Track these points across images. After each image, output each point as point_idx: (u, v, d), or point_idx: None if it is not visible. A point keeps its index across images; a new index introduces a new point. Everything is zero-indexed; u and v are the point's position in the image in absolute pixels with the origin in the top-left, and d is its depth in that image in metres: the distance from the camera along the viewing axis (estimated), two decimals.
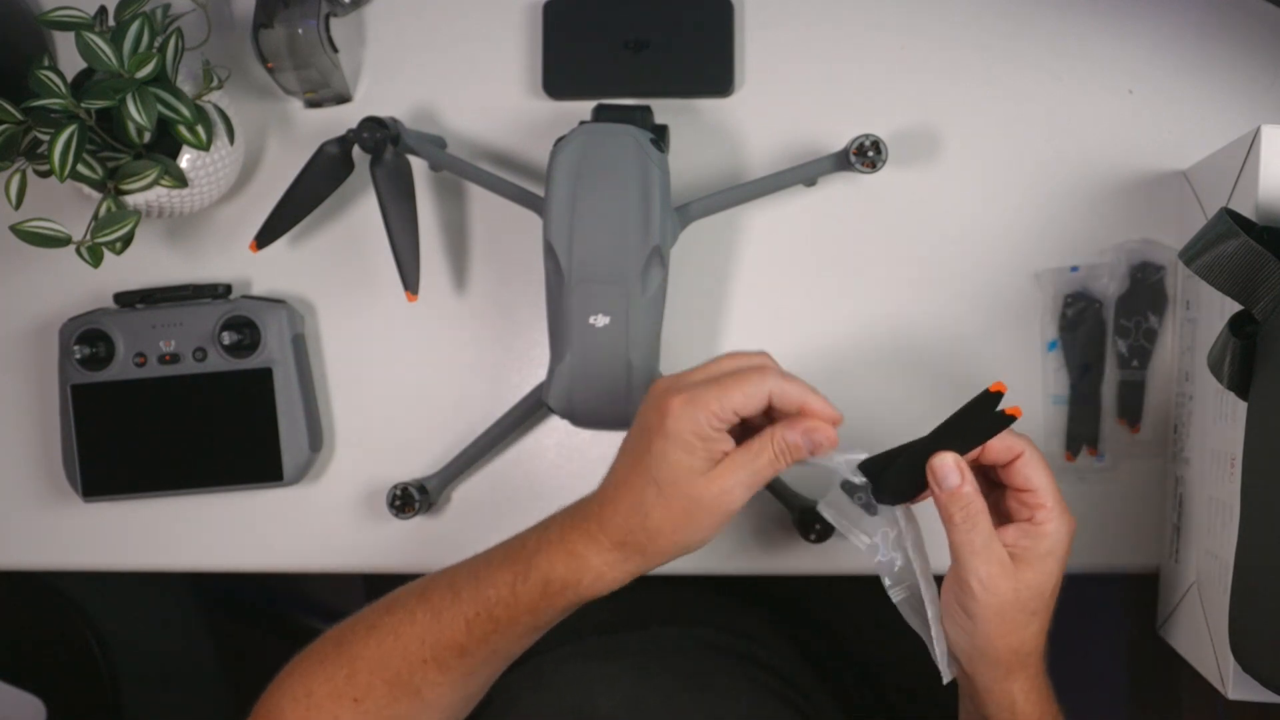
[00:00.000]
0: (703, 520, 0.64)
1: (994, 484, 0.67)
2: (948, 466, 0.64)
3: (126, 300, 0.86)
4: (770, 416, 0.66)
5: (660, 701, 0.75)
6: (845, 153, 0.79)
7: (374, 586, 1.12)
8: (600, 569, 0.65)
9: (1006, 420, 0.63)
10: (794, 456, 0.65)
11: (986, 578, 0.63)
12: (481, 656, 0.69)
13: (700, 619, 0.88)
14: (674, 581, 0.87)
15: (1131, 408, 0.81)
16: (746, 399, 0.64)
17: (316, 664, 0.71)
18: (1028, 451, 0.65)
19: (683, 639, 0.85)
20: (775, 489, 0.82)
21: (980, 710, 0.69)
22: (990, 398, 0.63)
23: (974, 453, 0.65)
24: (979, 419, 0.64)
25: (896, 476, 0.66)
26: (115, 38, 0.75)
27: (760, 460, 0.64)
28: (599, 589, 0.66)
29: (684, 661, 0.81)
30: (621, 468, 0.66)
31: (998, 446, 0.65)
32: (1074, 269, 0.82)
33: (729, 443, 0.65)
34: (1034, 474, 0.65)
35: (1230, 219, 0.63)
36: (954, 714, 0.79)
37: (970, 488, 0.64)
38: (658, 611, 0.88)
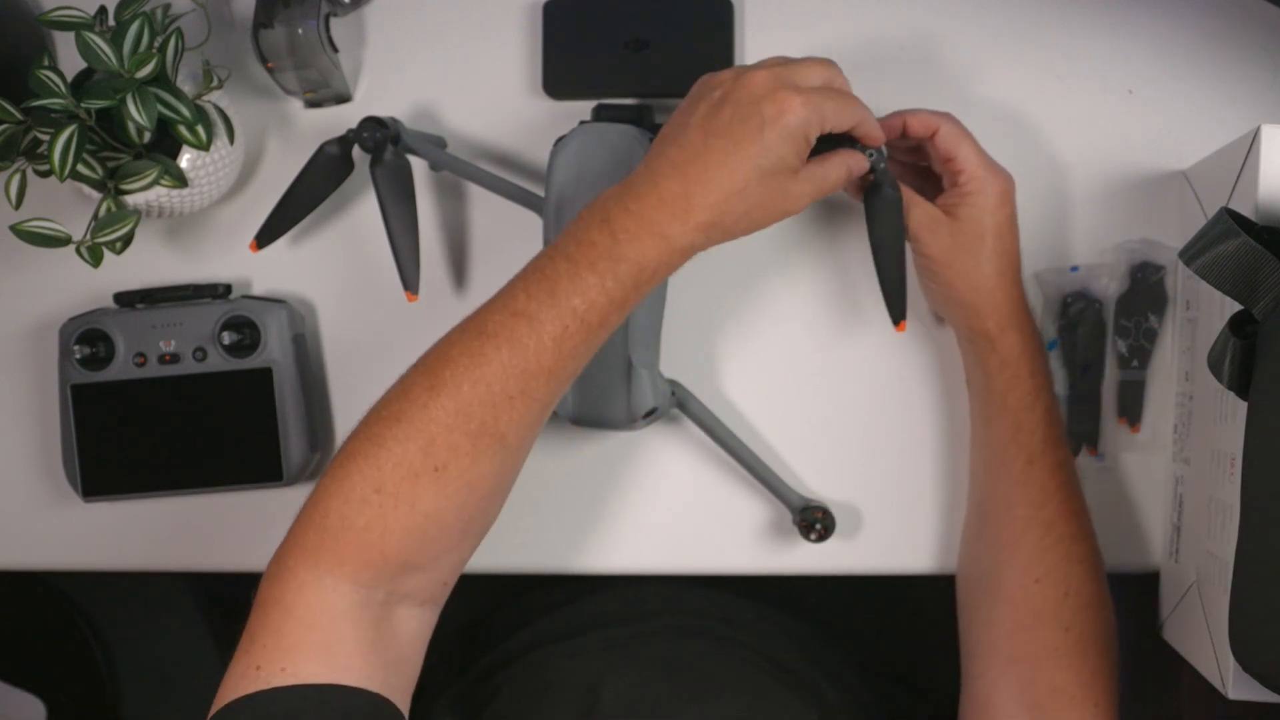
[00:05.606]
0: (775, 213, 0.68)
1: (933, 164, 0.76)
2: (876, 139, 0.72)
3: (126, 300, 0.86)
4: None
5: (663, 691, 0.75)
6: None
7: None
8: (686, 249, 0.66)
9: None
10: (849, 181, 0.71)
11: (918, 227, 0.74)
12: (564, 377, 0.67)
13: (700, 612, 0.88)
14: (672, 578, 0.87)
15: (1131, 407, 0.81)
16: (843, 119, 0.67)
17: (375, 451, 0.65)
18: (944, 126, 0.73)
19: (683, 631, 0.85)
20: (774, 489, 0.82)
21: (970, 362, 0.78)
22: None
23: (898, 128, 0.74)
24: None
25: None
26: (115, 38, 0.75)
27: (831, 176, 0.69)
28: (677, 267, 0.68)
29: (686, 652, 0.81)
30: (714, 150, 0.65)
31: (916, 123, 0.74)
32: (1074, 269, 0.82)
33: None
34: (952, 144, 0.73)
35: (1230, 219, 0.63)
36: (954, 706, 0.79)
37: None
38: (658, 606, 0.88)
